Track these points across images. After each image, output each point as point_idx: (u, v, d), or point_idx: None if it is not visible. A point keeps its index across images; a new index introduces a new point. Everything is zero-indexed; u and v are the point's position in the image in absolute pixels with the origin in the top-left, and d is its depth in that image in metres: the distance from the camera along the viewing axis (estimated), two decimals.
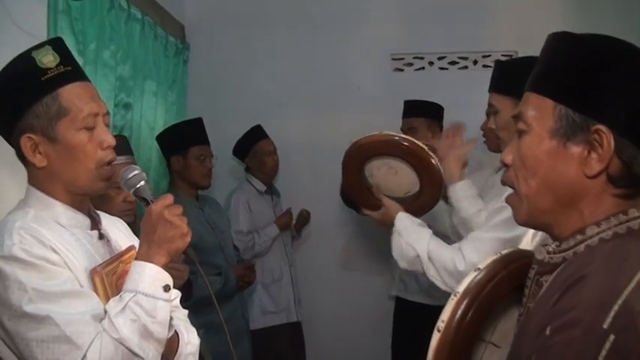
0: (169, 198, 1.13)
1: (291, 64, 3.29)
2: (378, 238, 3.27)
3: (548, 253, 0.82)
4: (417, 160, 1.82)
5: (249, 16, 3.30)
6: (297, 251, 3.29)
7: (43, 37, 1.70)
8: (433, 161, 1.81)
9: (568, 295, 0.72)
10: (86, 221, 1.18)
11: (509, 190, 0.88)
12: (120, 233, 1.30)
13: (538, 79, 0.83)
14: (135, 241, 1.26)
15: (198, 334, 1.29)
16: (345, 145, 1.90)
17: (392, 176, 1.89)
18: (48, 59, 1.09)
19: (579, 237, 0.79)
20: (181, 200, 2.36)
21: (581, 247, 0.78)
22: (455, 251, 1.65)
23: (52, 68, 1.09)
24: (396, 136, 1.85)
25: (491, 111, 1.68)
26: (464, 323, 1.04)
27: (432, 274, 1.68)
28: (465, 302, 1.07)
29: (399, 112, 2.80)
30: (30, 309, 0.99)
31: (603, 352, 0.65)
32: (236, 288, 2.55)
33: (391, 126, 2.71)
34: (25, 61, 1.09)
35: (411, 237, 1.73)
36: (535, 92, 0.82)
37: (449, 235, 2.00)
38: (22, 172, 1.19)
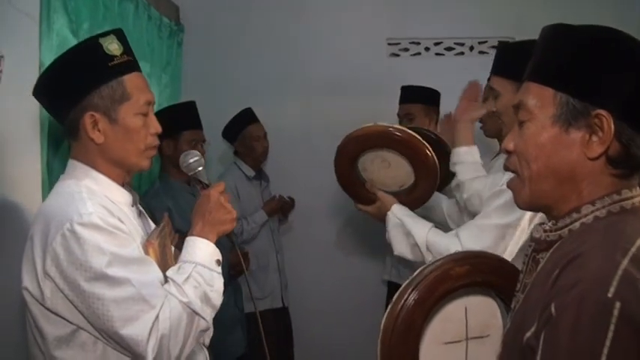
0: (223, 185, 1.33)
1: (287, 47, 3.26)
2: (367, 225, 3.28)
3: (545, 231, 0.87)
4: (411, 152, 1.79)
5: None
6: (286, 237, 3.28)
7: (37, 16, 1.68)
8: (428, 152, 1.78)
9: (568, 272, 0.75)
10: (130, 198, 1.28)
11: (507, 175, 0.91)
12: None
13: (537, 69, 0.88)
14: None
15: None
16: (339, 131, 1.87)
17: (385, 170, 1.86)
18: (114, 47, 1.20)
19: (575, 215, 0.84)
20: (173, 186, 2.36)
21: (577, 224, 0.83)
22: (452, 238, 1.64)
23: (117, 56, 1.20)
24: (390, 127, 1.81)
25: (493, 94, 1.66)
26: (405, 306, 1.16)
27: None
28: (408, 290, 1.18)
29: (394, 98, 2.79)
30: (110, 271, 1.09)
31: (613, 320, 0.69)
32: (229, 275, 2.48)
33: (387, 112, 2.72)
34: (93, 46, 1.20)
35: (411, 227, 1.73)
36: (535, 82, 0.87)
37: (447, 224, 2.00)
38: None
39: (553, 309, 0.73)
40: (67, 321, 1.12)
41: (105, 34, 1.22)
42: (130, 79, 1.22)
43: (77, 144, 1.23)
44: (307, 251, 3.31)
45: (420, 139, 1.79)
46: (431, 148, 1.81)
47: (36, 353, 1.17)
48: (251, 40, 3.26)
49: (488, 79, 1.92)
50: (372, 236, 3.24)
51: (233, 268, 2.51)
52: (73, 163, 1.23)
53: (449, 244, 1.62)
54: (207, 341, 1.33)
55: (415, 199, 1.90)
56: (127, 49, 1.23)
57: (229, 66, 3.23)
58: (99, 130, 1.19)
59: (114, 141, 1.21)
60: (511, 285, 1.19)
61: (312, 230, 3.33)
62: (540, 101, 0.85)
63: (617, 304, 0.69)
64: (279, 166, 3.25)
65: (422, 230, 1.70)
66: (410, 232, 1.72)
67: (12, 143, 1.59)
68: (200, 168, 1.38)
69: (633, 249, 0.74)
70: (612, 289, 0.70)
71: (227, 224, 1.29)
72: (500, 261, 1.28)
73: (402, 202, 1.84)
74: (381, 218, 1.85)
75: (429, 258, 1.68)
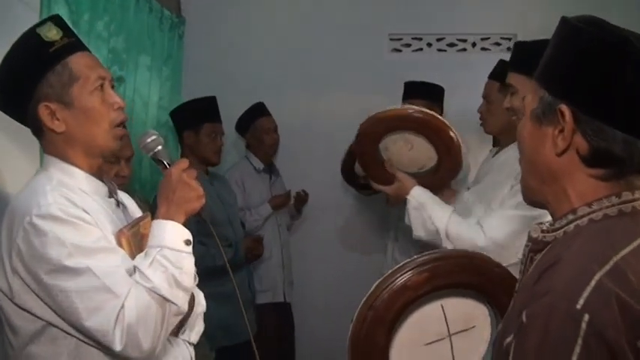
0: (186, 162, 1.24)
1: (288, 41, 3.24)
2: (375, 221, 3.28)
3: (542, 231, 0.83)
4: (435, 134, 1.80)
5: None
6: (293, 233, 3.28)
7: (37, 6, 1.67)
8: (453, 135, 1.80)
9: (544, 279, 0.73)
10: (104, 189, 1.24)
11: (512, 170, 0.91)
12: (130, 202, 1.36)
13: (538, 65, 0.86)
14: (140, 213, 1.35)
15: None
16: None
17: (407, 151, 1.87)
18: (52, 33, 1.15)
19: (571, 217, 0.79)
20: None
21: (571, 226, 0.79)
22: (475, 229, 1.64)
23: (57, 40, 1.15)
24: (413, 109, 1.86)
25: (510, 90, 1.65)
26: (364, 326, 1.17)
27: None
28: (366, 308, 1.21)
29: (396, 93, 2.77)
30: (70, 262, 1.05)
31: (581, 333, 0.65)
32: (244, 259, 2.65)
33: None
34: (30, 37, 1.16)
35: (433, 212, 1.74)
36: (535, 77, 0.85)
37: None
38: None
39: (524, 317, 0.70)
40: (36, 316, 1.09)
41: (42, 23, 1.17)
42: (75, 60, 1.16)
43: (44, 140, 1.20)
44: (314, 247, 3.29)
45: (446, 122, 1.81)
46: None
47: (9, 351, 1.15)
48: (252, 33, 3.24)
49: (490, 77, 1.92)
50: (379, 233, 3.23)
51: (250, 252, 2.67)
52: (47, 158, 1.21)
53: (473, 237, 1.61)
54: (194, 339, 1.30)
55: (437, 180, 1.91)
56: (67, 32, 1.18)
57: (230, 59, 3.22)
58: (58, 119, 1.15)
59: (76, 126, 1.16)
60: (485, 281, 1.17)
61: (317, 226, 3.32)
62: (532, 96, 0.83)
63: (586, 317, 0.65)
64: (282, 162, 3.24)
65: (443, 216, 1.71)
66: (430, 216, 1.73)
67: (10, 142, 1.58)
68: (159, 147, 1.28)
69: (616, 258, 0.70)
70: (582, 301, 0.66)
71: (194, 202, 1.20)
72: (467, 258, 1.23)
73: (422, 184, 1.84)
74: (399, 199, 1.85)
75: (448, 246, 1.69)
